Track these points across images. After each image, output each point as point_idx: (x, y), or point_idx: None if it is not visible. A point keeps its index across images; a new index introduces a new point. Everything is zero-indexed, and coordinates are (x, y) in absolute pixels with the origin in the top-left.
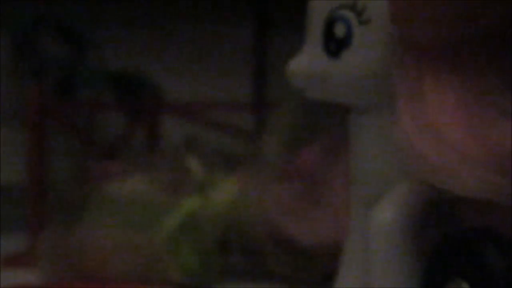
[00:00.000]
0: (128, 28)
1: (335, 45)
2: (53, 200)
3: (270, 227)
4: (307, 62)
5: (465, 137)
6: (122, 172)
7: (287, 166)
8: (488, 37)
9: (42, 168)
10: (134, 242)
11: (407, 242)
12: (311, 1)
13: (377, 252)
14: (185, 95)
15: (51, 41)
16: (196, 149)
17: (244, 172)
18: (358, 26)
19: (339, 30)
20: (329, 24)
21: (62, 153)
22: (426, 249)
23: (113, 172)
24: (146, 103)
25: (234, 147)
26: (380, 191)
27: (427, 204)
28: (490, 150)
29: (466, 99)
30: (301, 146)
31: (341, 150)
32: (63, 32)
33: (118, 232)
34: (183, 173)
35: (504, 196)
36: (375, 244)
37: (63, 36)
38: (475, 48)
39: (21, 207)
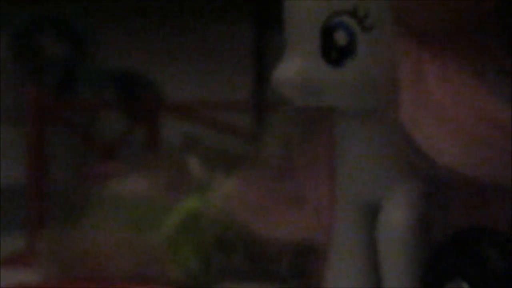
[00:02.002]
0: (128, 28)
1: (336, 54)
2: (53, 200)
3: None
4: (301, 70)
5: (464, 113)
6: (122, 172)
7: (287, 166)
8: (487, 21)
9: (42, 168)
10: (134, 242)
11: (420, 239)
12: (296, 3)
13: (393, 251)
14: (185, 95)
15: (51, 41)
16: (196, 149)
17: (244, 172)
18: (361, 33)
19: (341, 38)
20: (327, 32)
21: (62, 153)
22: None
23: (113, 172)
24: (146, 103)
25: (234, 147)
26: (372, 190)
27: (429, 203)
28: (489, 127)
29: (466, 79)
30: (300, 147)
31: (323, 149)
32: (63, 32)
33: (118, 232)
34: (183, 173)
35: (497, 175)
36: (390, 245)
37: (63, 35)
38: (473, 31)
39: (21, 207)
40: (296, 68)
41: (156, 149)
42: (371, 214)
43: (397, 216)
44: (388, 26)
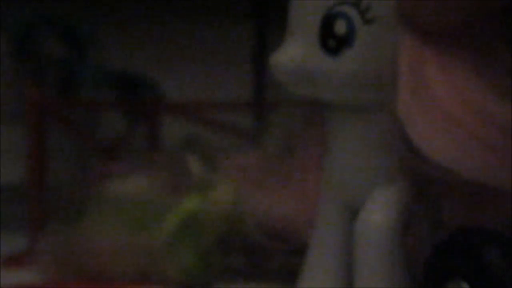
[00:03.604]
0: (128, 28)
1: (334, 43)
2: (53, 200)
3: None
4: (300, 57)
5: (464, 112)
6: (122, 172)
7: (286, 165)
8: (492, 22)
9: (42, 168)
10: (134, 242)
11: (397, 243)
12: None
13: (368, 254)
14: (185, 95)
15: (51, 41)
16: (196, 149)
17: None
18: (361, 25)
19: (340, 28)
20: (328, 20)
21: (62, 153)
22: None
23: (113, 172)
24: (146, 103)
25: (234, 147)
26: (359, 190)
27: (412, 204)
28: (489, 127)
29: (468, 78)
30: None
31: (315, 140)
32: (63, 32)
33: (118, 232)
34: (183, 173)
35: (493, 176)
36: (366, 247)
37: (63, 36)
38: (478, 31)
39: (21, 207)
40: (292, 53)
41: (156, 149)
42: (352, 216)
43: (373, 219)
44: (390, 21)
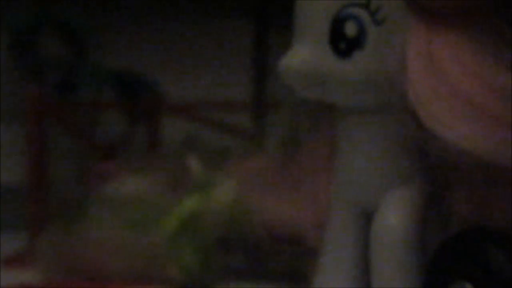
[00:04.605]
0: (128, 28)
1: (345, 45)
2: (53, 200)
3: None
4: (310, 60)
5: (476, 88)
6: (122, 172)
7: (294, 167)
8: (499, 3)
9: (42, 168)
10: (134, 242)
11: (414, 245)
12: None
13: (385, 257)
14: (185, 95)
15: (51, 41)
16: (196, 149)
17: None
18: (372, 26)
19: (351, 29)
20: (338, 22)
21: (62, 153)
22: (429, 249)
23: (113, 172)
24: (146, 103)
25: (234, 147)
26: (373, 193)
27: (428, 205)
28: (501, 102)
29: (476, 53)
30: (301, 145)
31: (325, 144)
32: (63, 32)
33: (118, 232)
34: (183, 173)
35: (506, 156)
36: (382, 250)
37: (63, 36)
38: (486, 13)
39: (21, 207)
40: (302, 56)
41: (156, 149)
42: (365, 218)
43: (392, 221)
44: (400, 22)
